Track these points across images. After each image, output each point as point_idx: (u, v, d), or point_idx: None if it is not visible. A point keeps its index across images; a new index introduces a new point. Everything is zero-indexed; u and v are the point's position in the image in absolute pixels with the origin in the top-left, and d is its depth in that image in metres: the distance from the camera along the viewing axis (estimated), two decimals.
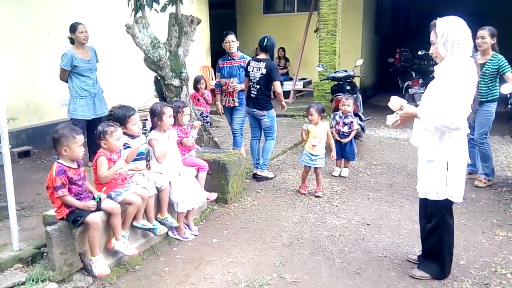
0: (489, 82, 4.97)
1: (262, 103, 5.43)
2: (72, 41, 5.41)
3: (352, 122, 5.77)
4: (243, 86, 5.66)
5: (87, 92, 5.42)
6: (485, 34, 4.91)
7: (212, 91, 7.09)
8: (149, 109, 4.04)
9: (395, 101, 3.10)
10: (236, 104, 5.79)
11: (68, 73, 5.35)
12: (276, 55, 11.55)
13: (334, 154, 5.13)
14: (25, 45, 6.45)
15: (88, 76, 5.44)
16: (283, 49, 11.74)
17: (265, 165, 5.66)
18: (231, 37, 5.66)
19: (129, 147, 3.55)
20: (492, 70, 4.93)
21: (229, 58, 5.77)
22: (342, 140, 5.75)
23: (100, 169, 3.28)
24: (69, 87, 5.44)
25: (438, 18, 2.93)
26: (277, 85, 5.40)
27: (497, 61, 4.91)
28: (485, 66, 4.96)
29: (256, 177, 5.60)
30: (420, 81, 9.40)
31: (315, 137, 4.98)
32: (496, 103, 5.10)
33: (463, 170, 3.06)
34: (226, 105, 5.89)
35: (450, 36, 2.85)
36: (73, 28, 5.35)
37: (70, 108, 5.42)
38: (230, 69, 5.74)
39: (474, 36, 3.00)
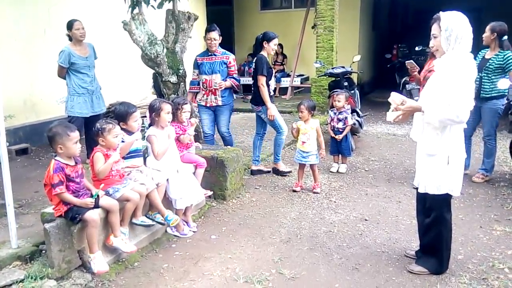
0: (493, 78, 4.92)
1: (257, 98, 5.42)
2: (70, 38, 5.39)
3: (346, 118, 5.78)
4: (228, 83, 5.40)
5: (84, 89, 5.40)
6: (486, 28, 4.94)
7: None
8: (147, 105, 4.03)
9: (396, 97, 3.10)
10: (220, 103, 5.43)
11: (66, 70, 5.33)
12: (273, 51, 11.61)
13: (323, 152, 5.07)
14: (22, 43, 6.42)
15: (86, 73, 5.42)
16: (280, 45, 11.72)
17: (277, 159, 5.68)
18: (214, 34, 5.28)
19: (122, 141, 3.53)
20: (496, 66, 4.89)
21: (210, 54, 5.40)
22: (337, 136, 5.76)
23: (96, 164, 3.28)
24: (67, 84, 5.42)
25: (441, 12, 2.93)
26: (258, 79, 5.30)
27: (502, 57, 4.85)
28: (489, 61, 4.94)
29: (253, 172, 5.62)
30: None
31: (304, 133, 4.98)
32: (503, 99, 5.03)
33: (462, 164, 3.08)
34: (208, 105, 5.46)
35: (454, 30, 2.85)
36: (70, 25, 5.33)
37: (68, 105, 5.40)
38: (211, 65, 5.36)
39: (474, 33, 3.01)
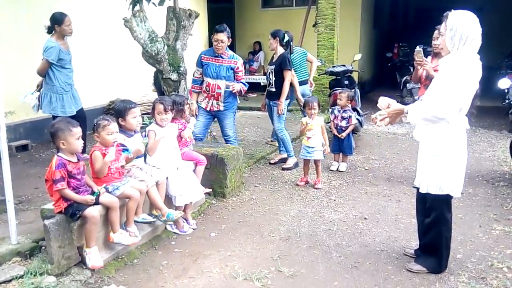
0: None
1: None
2: (50, 32, 5.10)
3: (350, 116, 5.79)
4: (238, 87, 5.12)
5: (69, 86, 5.25)
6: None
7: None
8: (147, 103, 4.05)
9: (383, 101, 3.14)
10: (221, 109, 5.21)
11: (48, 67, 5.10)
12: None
13: (327, 148, 5.17)
14: (22, 39, 6.41)
15: (69, 68, 5.26)
16: None
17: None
18: (221, 36, 4.95)
19: (126, 149, 3.48)
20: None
21: (216, 54, 5.08)
22: (340, 135, 5.77)
23: (95, 164, 3.27)
24: (49, 82, 5.17)
25: (452, 10, 2.91)
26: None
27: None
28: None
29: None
30: None
31: (309, 130, 5.05)
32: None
33: (464, 165, 3.08)
34: (209, 109, 5.25)
35: (459, 30, 2.82)
36: (59, 19, 5.06)
37: (57, 106, 5.17)
38: (217, 68, 5.08)
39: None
